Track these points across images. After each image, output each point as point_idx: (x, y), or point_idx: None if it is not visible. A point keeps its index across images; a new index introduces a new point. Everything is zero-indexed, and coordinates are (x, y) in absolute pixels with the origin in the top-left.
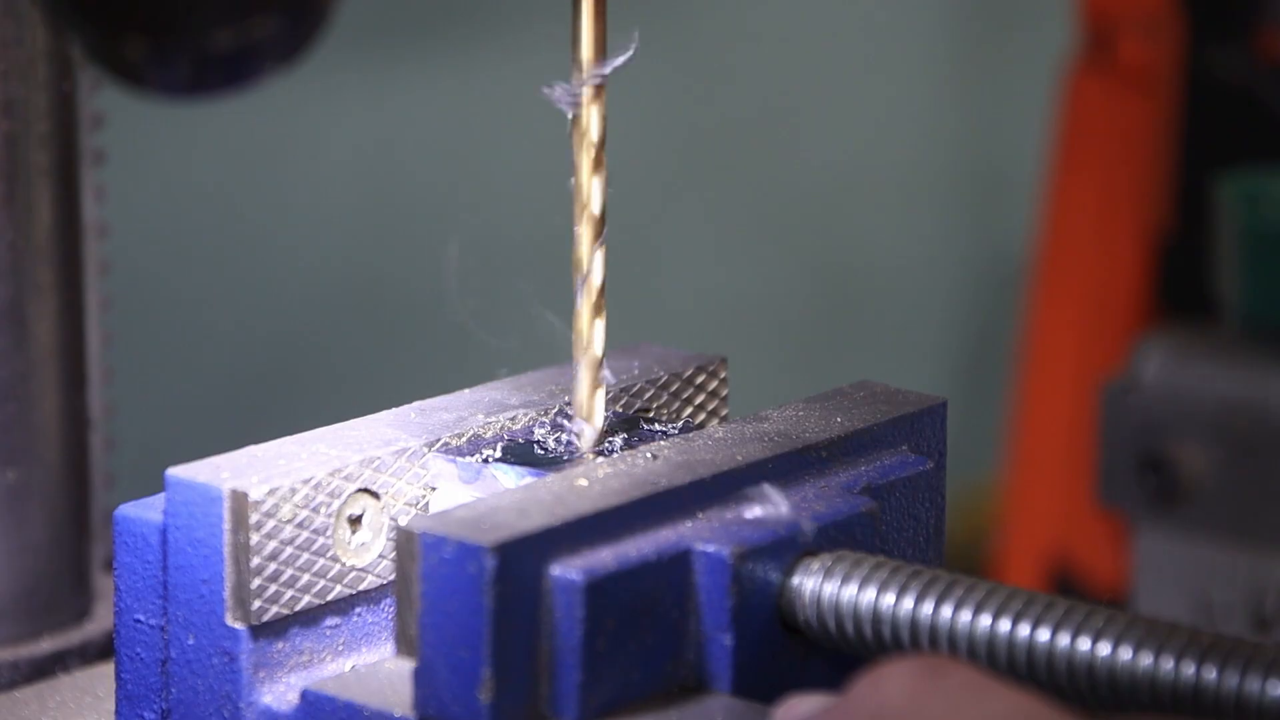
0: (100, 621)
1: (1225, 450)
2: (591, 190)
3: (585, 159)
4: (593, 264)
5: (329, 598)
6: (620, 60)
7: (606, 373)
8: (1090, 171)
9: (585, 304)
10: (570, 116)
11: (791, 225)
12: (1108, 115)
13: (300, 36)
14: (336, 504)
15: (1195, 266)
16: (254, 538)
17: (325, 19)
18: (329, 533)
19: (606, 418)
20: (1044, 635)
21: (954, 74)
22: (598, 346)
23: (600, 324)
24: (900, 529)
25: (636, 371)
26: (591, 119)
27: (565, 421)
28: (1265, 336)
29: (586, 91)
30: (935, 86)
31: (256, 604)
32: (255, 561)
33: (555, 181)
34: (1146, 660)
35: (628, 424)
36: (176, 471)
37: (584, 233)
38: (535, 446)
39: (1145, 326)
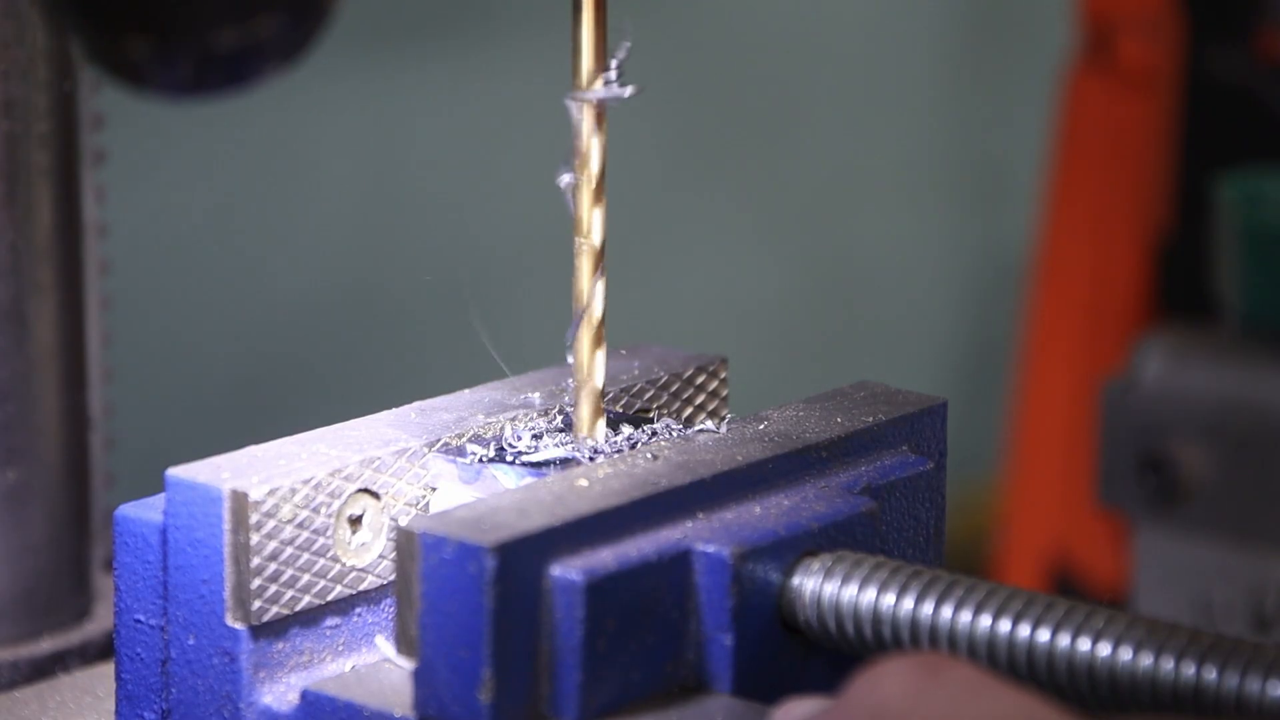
0: (100, 621)
1: (1225, 450)
2: (592, 223)
3: (585, 190)
4: (593, 296)
5: (329, 598)
6: (615, 64)
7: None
8: (1090, 171)
9: (586, 336)
10: (572, 136)
11: (792, 225)
12: (1108, 115)
13: (301, 36)
14: (337, 504)
15: (1195, 266)
16: (254, 538)
17: (326, 19)
18: (329, 533)
19: (606, 417)
20: (1044, 636)
21: (954, 74)
22: (598, 378)
23: (601, 355)
24: (900, 529)
25: (637, 372)
26: (592, 149)
27: (564, 422)
28: (1265, 336)
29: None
30: (935, 86)
31: (256, 604)
32: (255, 562)
33: (553, 185)
34: (1147, 661)
35: (627, 424)
36: (176, 472)
37: (584, 265)
38: (534, 445)
39: (1145, 326)
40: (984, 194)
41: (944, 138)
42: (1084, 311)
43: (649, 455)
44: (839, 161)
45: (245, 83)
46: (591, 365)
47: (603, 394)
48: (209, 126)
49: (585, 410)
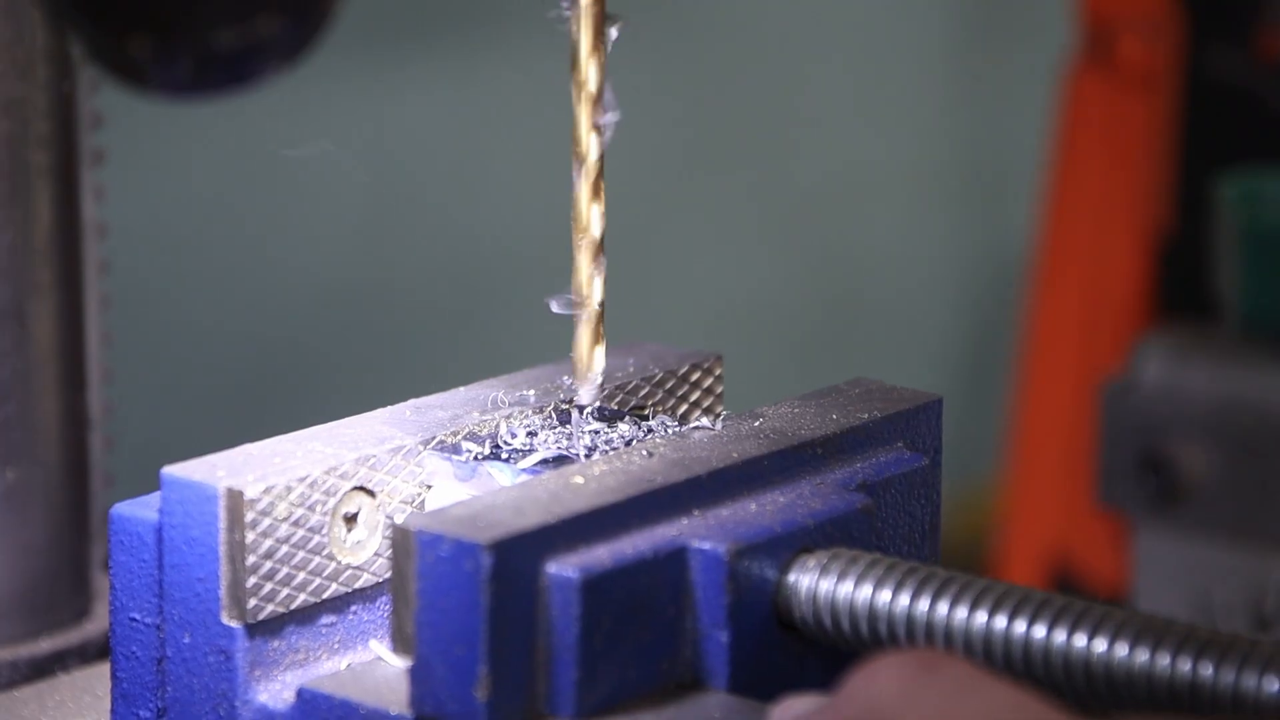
0: (99, 621)
1: (1225, 450)
2: (591, 217)
3: (585, 186)
4: (592, 290)
5: (325, 596)
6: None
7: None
8: (1090, 171)
9: (585, 331)
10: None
11: (790, 224)
12: (1108, 115)
13: (302, 36)
14: (332, 502)
15: (1195, 266)
16: (250, 536)
17: (327, 19)
18: (325, 531)
19: (603, 413)
20: (1040, 631)
21: (954, 74)
22: (598, 368)
23: (600, 350)
24: (896, 526)
25: (633, 369)
26: (590, 146)
27: (561, 420)
28: (1265, 336)
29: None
30: (936, 86)
31: (252, 602)
32: (251, 560)
33: (553, 185)
34: (1143, 656)
35: (623, 421)
36: (172, 470)
37: (583, 259)
38: (530, 443)
39: (1145, 326)
40: (984, 194)
41: (944, 137)
42: (1084, 311)
43: (644, 452)
44: (838, 160)
45: (246, 82)
46: (591, 359)
47: (601, 315)
48: (208, 126)
49: (584, 399)
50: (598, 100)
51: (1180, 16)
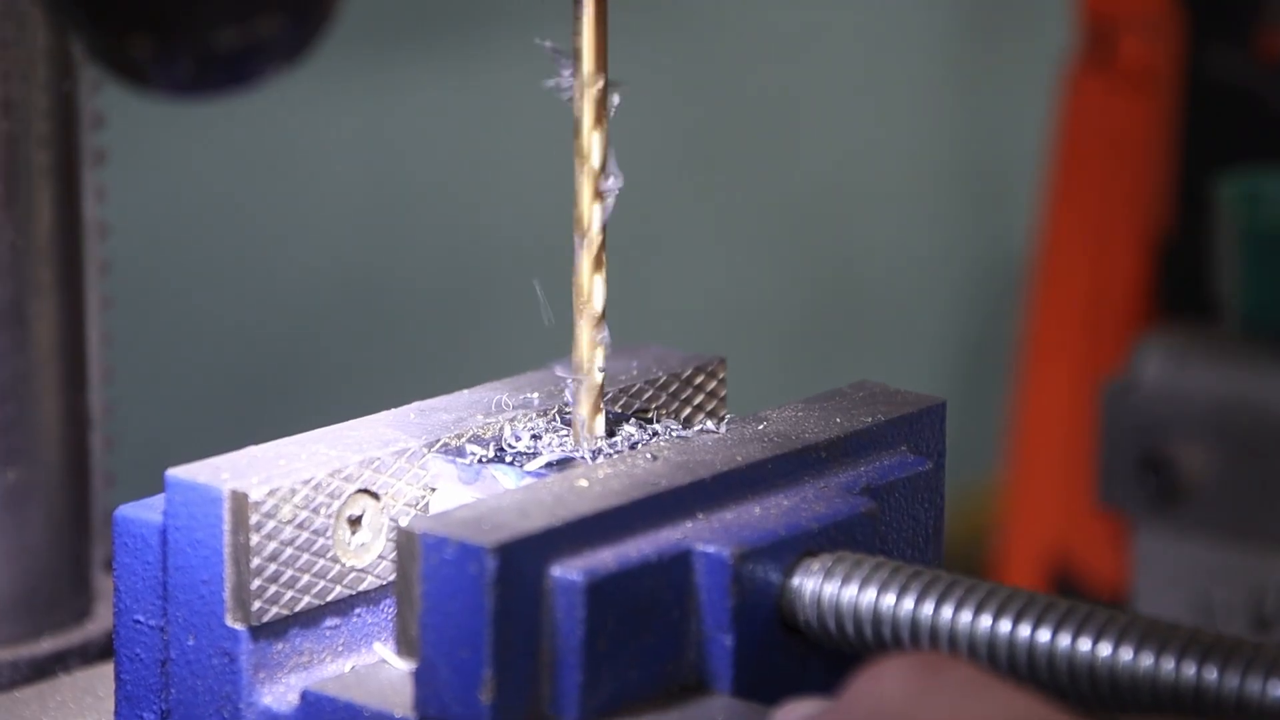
0: (101, 621)
1: (1225, 450)
2: (592, 217)
3: (587, 258)
4: (594, 361)
5: (329, 598)
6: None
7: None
8: (1090, 171)
9: (585, 400)
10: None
11: (791, 225)
12: (1108, 115)
13: (303, 36)
14: (336, 505)
15: (1195, 266)
16: (254, 538)
17: (328, 18)
18: (329, 533)
19: (606, 416)
20: (1044, 635)
21: (954, 74)
22: (597, 302)
23: (600, 417)
24: (899, 529)
25: (635, 372)
26: (593, 144)
27: (563, 423)
28: (1265, 336)
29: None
30: (935, 86)
31: (256, 605)
32: (255, 562)
33: (555, 183)
34: (1147, 661)
35: (627, 424)
36: (176, 472)
37: (584, 329)
38: (534, 446)
39: (1145, 327)
40: (984, 194)
41: (943, 138)
42: (1084, 311)
43: (649, 455)
44: (839, 161)
45: (247, 82)
46: (592, 288)
47: (600, 320)
48: (210, 126)
49: (584, 405)
50: (600, 173)
51: (1180, 16)
